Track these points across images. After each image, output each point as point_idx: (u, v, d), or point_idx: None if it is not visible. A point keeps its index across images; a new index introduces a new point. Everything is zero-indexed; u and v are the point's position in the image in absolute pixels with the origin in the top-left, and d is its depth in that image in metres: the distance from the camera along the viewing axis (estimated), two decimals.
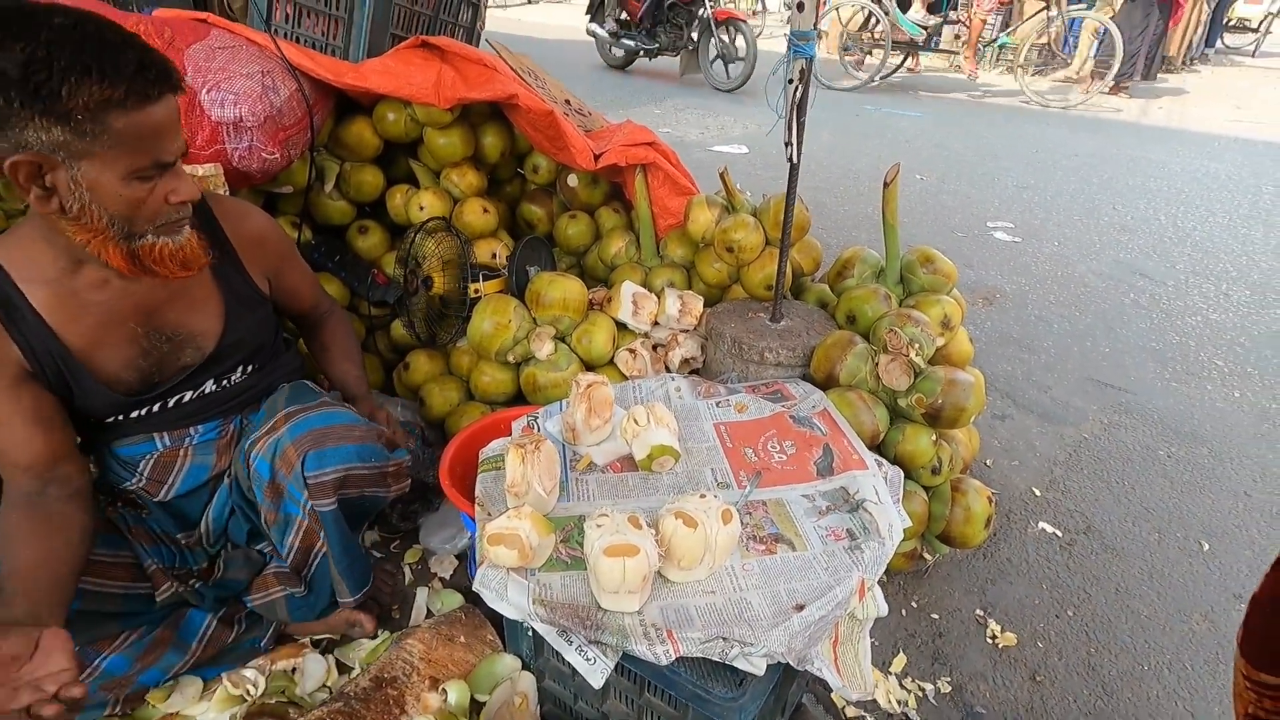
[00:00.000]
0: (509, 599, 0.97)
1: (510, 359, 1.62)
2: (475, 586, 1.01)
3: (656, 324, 1.80)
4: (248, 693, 1.14)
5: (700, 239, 1.80)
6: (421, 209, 1.93)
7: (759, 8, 11.06)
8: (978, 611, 1.44)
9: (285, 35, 1.85)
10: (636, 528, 0.95)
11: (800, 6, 1.33)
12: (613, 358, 1.73)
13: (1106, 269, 3.15)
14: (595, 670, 0.92)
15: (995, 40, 8.74)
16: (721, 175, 1.74)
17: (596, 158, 1.83)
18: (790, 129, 1.42)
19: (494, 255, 1.97)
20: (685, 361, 1.75)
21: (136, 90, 0.85)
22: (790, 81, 1.39)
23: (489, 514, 1.11)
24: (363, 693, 1.04)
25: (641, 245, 1.96)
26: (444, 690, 1.06)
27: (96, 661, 1.06)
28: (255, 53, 1.66)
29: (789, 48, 1.36)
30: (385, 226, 2.06)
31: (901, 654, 1.34)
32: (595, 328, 1.68)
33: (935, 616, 1.43)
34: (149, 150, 0.89)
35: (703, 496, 1.02)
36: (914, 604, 1.46)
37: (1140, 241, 3.49)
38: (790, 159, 1.45)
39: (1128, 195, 4.20)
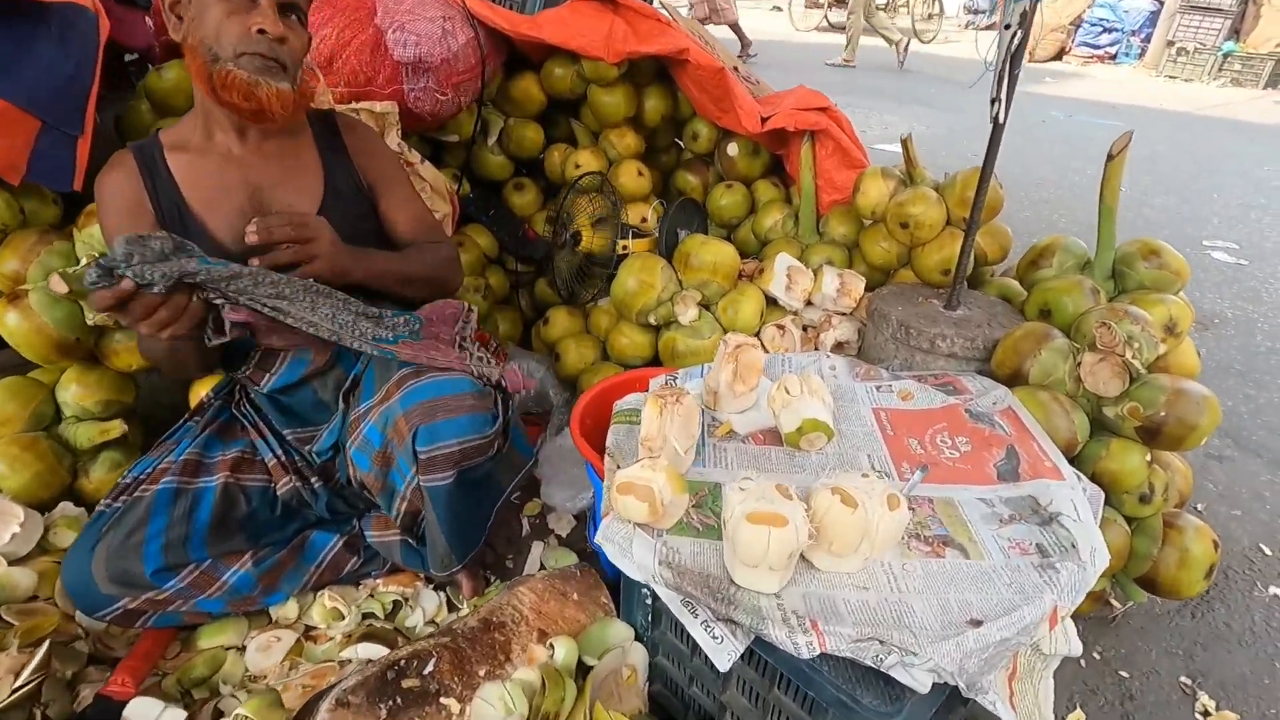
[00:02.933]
0: (633, 556, 0.88)
1: (651, 320, 1.54)
2: (597, 539, 0.93)
3: (810, 303, 1.65)
4: (341, 611, 1.14)
5: (870, 213, 1.63)
6: (578, 167, 1.90)
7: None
8: (1183, 679, 1.18)
9: None
10: (786, 498, 0.83)
11: None
12: (759, 333, 1.60)
13: None
14: (722, 651, 0.81)
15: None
16: (904, 142, 1.57)
17: (764, 121, 1.71)
18: (1000, 83, 1.23)
19: (644, 220, 1.91)
20: (839, 345, 1.59)
21: None
22: (1008, 26, 1.20)
23: (619, 466, 1.03)
24: (470, 632, 1.00)
25: (800, 220, 1.81)
26: (551, 645, 0.99)
27: (225, 577, 1.09)
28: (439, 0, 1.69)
29: None
30: (540, 186, 2.06)
31: (1079, 710, 1.11)
32: (743, 298, 1.56)
33: (1125, 674, 1.18)
34: None
35: (865, 476, 0.88)
36: (1096, 654, 1.21)
37: None
38: (995, 118, 1.26)
39: None
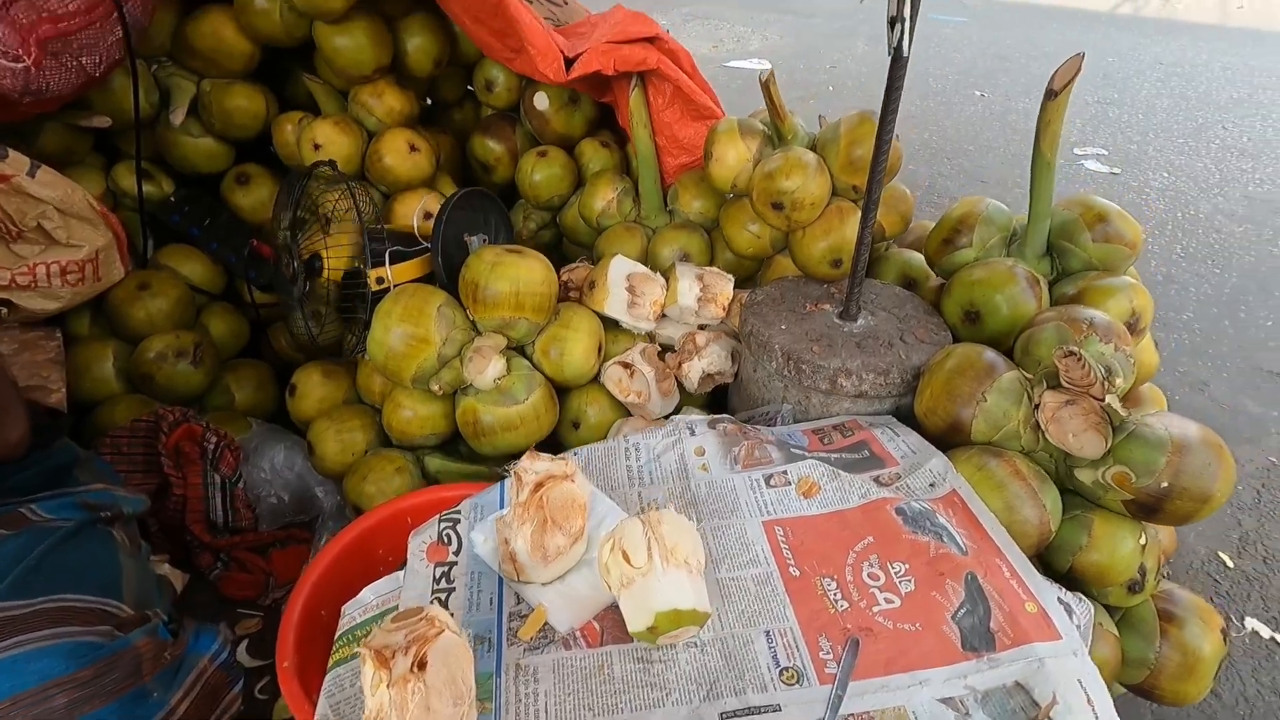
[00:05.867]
0: None
1: (435, 389, 1.03)
2: None
3: (664, 316, 1.21)
4: None
5: (729, 187, 1.18)
6: (316, 147, 1.31)
7: None
8: None
9: None
10: None
11: None
12: (599, 374, 1.14)
13: (1237, 208, 2.48)
14: None
15: None
16: (765, 84, 1.11)
17: (569, 64, 1.19)
18: None
19: (427, 216, 1.36)
20: (708, 378, 1.16)
21: None
22: None
23: None
24: None
25: (641, 196, 1.34)
26: None
27: None
28: None
29: None
30: (275, 175, 1.45)
31: None
32: (571, 331, 1.08)
33: None
34: None
35: None
36: None
37: (1269, 169, 2.79)
38: (897, 47, 0.82)
39: (1234, 111, 3.46)
